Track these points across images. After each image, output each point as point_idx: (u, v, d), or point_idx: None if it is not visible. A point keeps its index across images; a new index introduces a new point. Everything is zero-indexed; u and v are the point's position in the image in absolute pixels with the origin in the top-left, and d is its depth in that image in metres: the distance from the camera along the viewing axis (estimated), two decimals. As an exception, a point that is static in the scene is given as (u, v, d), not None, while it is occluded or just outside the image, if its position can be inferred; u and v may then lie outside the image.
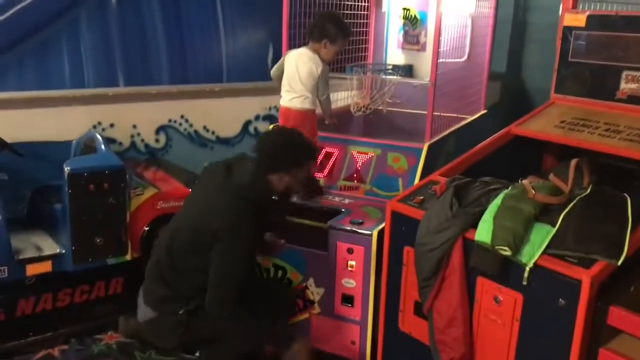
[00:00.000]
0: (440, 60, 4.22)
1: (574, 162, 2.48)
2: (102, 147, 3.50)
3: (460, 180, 2.76)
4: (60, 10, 4.69)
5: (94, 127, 4.12)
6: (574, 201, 2.33)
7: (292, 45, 3.78)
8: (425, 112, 3.74)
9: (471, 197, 2.62)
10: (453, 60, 4.39)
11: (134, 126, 4.33)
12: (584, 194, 2.37)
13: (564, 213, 2.28)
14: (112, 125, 4.23)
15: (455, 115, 4.39)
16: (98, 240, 3.29)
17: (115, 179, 3.29)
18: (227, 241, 2.62)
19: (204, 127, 4.72)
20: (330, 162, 3.78)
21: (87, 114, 4.05)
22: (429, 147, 3.66)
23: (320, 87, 3.50)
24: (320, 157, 3.81)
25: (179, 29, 5.19)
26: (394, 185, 3.57)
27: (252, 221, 2.68)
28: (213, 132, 4.75)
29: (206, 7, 5.28)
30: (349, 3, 4.70)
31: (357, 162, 3.73)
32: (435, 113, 3.85)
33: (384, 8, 4.97)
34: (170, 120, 4.53)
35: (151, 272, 2.81)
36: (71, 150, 3.80)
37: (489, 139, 3.43)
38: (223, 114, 4.71)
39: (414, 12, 4.71)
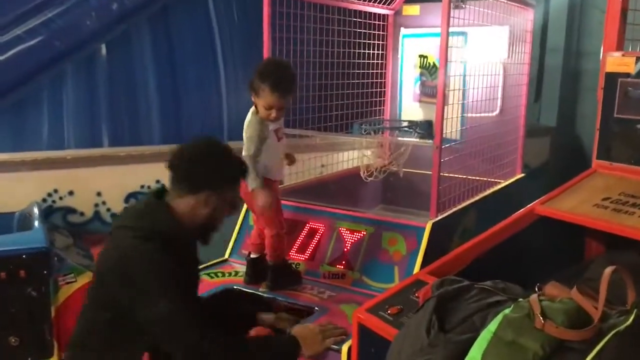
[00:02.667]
0: (466, 114, 3.56)
1: (608, 270, 1.66)
2: (36, 223, 2.93)
3: (451, 285, 1.98)
4: (42, 64, 4.30)
5: (49, 195, 3.58)
6: (607, 337, 1.51)
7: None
8: (450, 175, 3.01)
9: (461, 314, 1.82)
10: (481, 114, 3.66)
11: (98, 193, 3.77)
12: (623, 325, 1.55)
13: (589, 358, 1.47)
14: (71, 193, 3.68)
15: (486, 179, 3.62)
16: (12, 341, 2.67)
17: (36, 265, 2.69)
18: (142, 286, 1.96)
19: (185, 195, 4.09)
20: (314, 242, 3.07)
21: (39, 180, 3.52)
22: (435, 225, 2.89)
23: (245, 142, 2.76)
24: (303, 234, 3.10)
25: (173, 83, 4.72)
26: (388, 274, 2.82)
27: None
28: (195, 200, 4.12)
29: (206, 61, 4.81)
30: (361, 51, 4.08)
31: (346, 242, 3.01)
32: (455, 175, 3.12)
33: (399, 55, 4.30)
34: (142, 186, 3.94)
35: None
36: (13, 224, 3.25)
37: (510, 217, 2.63)
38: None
39: (432, 59, 4.01)
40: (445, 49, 2.79)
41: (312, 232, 3.09)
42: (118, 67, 4.56)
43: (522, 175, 4.11)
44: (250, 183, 2.66)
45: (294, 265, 2.99)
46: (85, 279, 2.92)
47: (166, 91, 4.64)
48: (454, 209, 3.15)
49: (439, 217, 2.95)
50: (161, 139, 4.60)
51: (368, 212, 3.63)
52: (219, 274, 3.02)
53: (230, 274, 3.04)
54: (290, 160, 3.07)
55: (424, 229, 2.84)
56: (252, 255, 2.95)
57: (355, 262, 2.92)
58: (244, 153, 2.71)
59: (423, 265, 2.75)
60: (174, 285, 1.98)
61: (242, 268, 3.03)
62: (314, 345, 2.23)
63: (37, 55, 4.26)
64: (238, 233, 3.27)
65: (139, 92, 4.59)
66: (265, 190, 2.66)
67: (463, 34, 3.68)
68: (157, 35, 4.69)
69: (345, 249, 2.97)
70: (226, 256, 3.23)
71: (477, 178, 3.56)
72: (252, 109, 2.80)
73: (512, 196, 3.92)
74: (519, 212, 2.55)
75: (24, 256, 2.68)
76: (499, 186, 3.77)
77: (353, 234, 3.00)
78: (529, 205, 2.54)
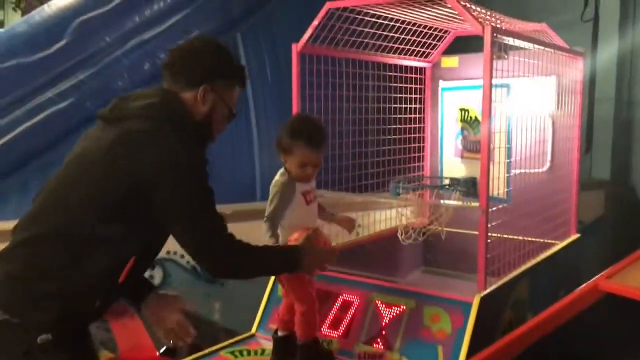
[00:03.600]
0: (513, 172, 3.28)
1: None
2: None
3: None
4: (73, 126, 4.24)
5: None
6: None
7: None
8: (497, 236, 2.75)
9: None
10: (529, 170, 3.38)
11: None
12: None
13: None
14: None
15: (539, 240, 3.31)
16: None
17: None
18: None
19: (214, 260, 3.88)
20: (348, 316, 2.78)
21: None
22: (484, 299, 2.57)
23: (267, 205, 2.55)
24: (336, 307, 2.83)
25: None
26: (432, 356, 2.51)
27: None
28: (225, 265, 3.90)
29: (238, 120, 4.65)
30: (398, 106, 3.86)
31: (383, 317, 2.71)
32: (506, 236, 2.82)
33: (439, 109, 4.07)
34: (169, 252, 3.75)
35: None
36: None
37: (571, 295, 2.31)
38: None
39: (474, 112, 3.76)
40: (488, 102, 2.55)
41: (346, 305, 2.81)
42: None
43: (577, 235, 3.76)
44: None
45: (325, 344, 2.71)
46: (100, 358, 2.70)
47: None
48: (505, 279, 2.83)
49: (488, 290, 2.64)
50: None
51: (407, 281, 3.37)
52: (244, 353, 2.76)
53: (256, 352, 2.77)
54: (347, 225, 2.80)
55: (470, 304, 2.53)
56: (279, 333, 2.68)
57: (394, 340, 2.61)
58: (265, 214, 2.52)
59: (471, 345, 2.44)
60: (207, 188, 1.94)
61: (269, 346, 2.76)
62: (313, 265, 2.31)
63: (68, 117, 4.22)
64: (266, 305, 3.01)
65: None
66: None
67: (505, 85, 3.44)
68: (189, 94, 4.61)
69: (383, 325, 2.68)
70: (253, 330, 2.97)
71: (529, 239, 3.25)
72: (281, 170, 2.60)
73: (568, 260, 3.58)
74: (580, 288, 2.23)
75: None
76: (553, 249, 3.43)
77: (391, 308, 2.70)
78: (591, 280, 2.22)
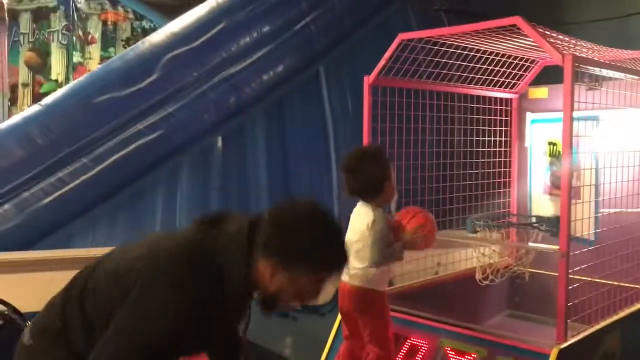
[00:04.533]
0: (606, 210, 3.03)
1: None
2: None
3: None
4: (160, 157, 4.41)
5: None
6: None
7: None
8: (587, 279, 2.56)
9: None
10: (623, 210, 3.10)
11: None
12: None
13: None
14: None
15: (635, 286, 3.01)
16: None
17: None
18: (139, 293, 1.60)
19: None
20: (415, 362, 2.63)
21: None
22: (564, 352, 2.34)
23: (369, 247, 2.43)
24: (403, 352, 2.69)
25: (285, 175, 4.62)
26: (503, 411, 2.30)
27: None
28: (295, 298, 3.85)
29: (319, 153, 4.67)
30: (484, 139, 3.69)
31: (453, 365, 2.54)
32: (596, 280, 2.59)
33: (527, 142, 3.84)
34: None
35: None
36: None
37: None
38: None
39: (563, 147, 3.50)
40: (568, 136, 2.35)
41: (414, 350, 2.66)
42: (232, 159, 4.55)
43: (683, 282, 3.37)
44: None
45: (392, 390, 2.57)
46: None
47: (277, 184, 4.55)
48: (591, 329, 2.57)
49: (570, 342, 2.40)
50: (272, 234, 4.46)
51: (487, 326, 3.16)
52: (307, 396, 2.67)
53: (320, 393, 2.68)
54: None
55: (547, 356, 2.31)
56: (341, 378, 2.58)
57: (464, 391, 2.44)
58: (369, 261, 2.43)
59: (549, 404, 2.22)
60: (159, 334, 1.56)
61: (334, 389, 2.66)
62: None
63: (156, 149, 4.38)
64: (332, 345, 2.91)
65: (250, 186, 4.53)
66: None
67: (594, 118, 3.20)
68: (272, 126, 4.68)
69: (452, 374, 2.51)
70: (317, 372, 2.88)
71: (623, 284, 2.96)
72: (369, 207, 2.50)
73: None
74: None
75: None
76: (654, 297, 3.10)
77: (462, 357, 2.53)
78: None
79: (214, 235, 1.68)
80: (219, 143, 4.57)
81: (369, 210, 2.47)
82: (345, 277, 2.51)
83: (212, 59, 4.48)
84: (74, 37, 8.40)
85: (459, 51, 3.17)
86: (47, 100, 4.36)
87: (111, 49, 8.43)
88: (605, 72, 2.65)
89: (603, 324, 2.65)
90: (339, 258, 1.70)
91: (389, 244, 2.46)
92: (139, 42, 4.63)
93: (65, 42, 8.42)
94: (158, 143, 4.36)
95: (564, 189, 2.38)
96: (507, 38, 2.85)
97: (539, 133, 3.77)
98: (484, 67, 3.42)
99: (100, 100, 4.28)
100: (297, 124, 4.70)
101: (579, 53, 2.65)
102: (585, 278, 2.58)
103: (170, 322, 1.57)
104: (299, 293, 1.69)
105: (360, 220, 2.47)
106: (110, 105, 4.28)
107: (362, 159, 2.52)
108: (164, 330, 1.57)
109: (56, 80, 8.35)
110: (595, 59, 2.78)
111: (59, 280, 3.46)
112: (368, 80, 3.03)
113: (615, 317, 2.76)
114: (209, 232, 1.69)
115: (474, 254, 3.59)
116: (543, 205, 3.65)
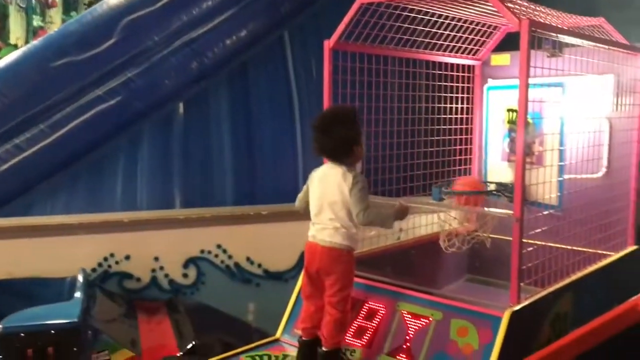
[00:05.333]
0: (564, 176, 3.07)
1: None
2: (77, 293, 2.77)
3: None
4: (121, 124, 4.32)
5: (105, 259, 3.46)
6: None
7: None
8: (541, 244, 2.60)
9: None
10: (582, 176, 3.15)
11: (156, 258, 3.61)
12: None
13: None
14: (127, 257, 3.54)
15: (589, 250, 3.09)
16: (39, 422, 2.47)
17: (66, 342, 2.49)
18: None
19: (248, 259, 3.84)
20: (373, 325, 2.67)
21: (96, 245, 3.40)
22: (516, 315, 2.39)
23: (353, 203, 2.44)
24: (362, 315, 2.72)
25: (249, 141, 4.58)
26: (456, 372, 2.35)
27: None
28: (260, 265, 3.85)
29: (283, 119, 4.63)
30: (444, 105, 3.70)
31: (409, 328, 2.58)
32: (550, 244, 2.64)
33: (484, 109, 3.86)
34: (202, 251, 3.74)
35: None
36: (64, 290, 3.13)
37: (612, 311, 2.10)
38: (273, 242, 3.82)
39: (524, 113, 3.53)
40: (524, 104, 2.36)
41: (372, 314, 2.69)
42: (194, 125, 4.49)
43: (636, 247, 3.47)
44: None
45: (349, 352, 2.60)
46: (119, 356, 2.70)
47: (241, 150, 4.51)
48: (543, 292, 2.63)
49: (523, 304, 2.45)
50: (234, 199, 4.44)
51: (446, 290, 3.21)
52: (265, 358, 2.69)
53: (277, 357, 2.70)
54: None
55: (500, 319, 2.36)
56: (303, 338, 2.60)
57: (418, 354, 2.47)
58: (360, 214, 2.44)
59: (500, 362, 2.27)
60: None
61: (292, 351, 2.68)
62: None
63: (116, 115, 4.28)
64: (292, 309, 2.93)
65: (213, 151, 4.49)
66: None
67: (559, 84, 3.23)
68: (235, 91, 4.61)
69: (408, 337, 2.54)
70: (277, 334, 2.90)
71: (578, 249, 3.03)
72: (342, 168, 2.49)
73: (624, 273, 3.31)
74: (618, 307, 2.02)
75: (52, 332, 2.50)
76: (605, 261, 3.18)
77: (418, 320, 2.57)
78: (632, 299, 2.01)
79: None
80: (181, 109, 4.50)
81: (344, 171, 2.47)
82: (316, 238, 2.51)
83: (172, 22, 4.36)
84: (34, 0, 8.11)
85: (420, 16, 3.15)
86: (0, 64, 4.22)
87: (73, 13, 8.16)
88: (563, 38, 2.65)
89: (556, 286, 2.71)
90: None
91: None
92: (97, 5, 4.48)
93: (24, 5, 8.13)
94: (118, 109, 4.26)
95: (519, 155, 2.40)
96: (469, 3, 2.84)
97: (496, 100, 3.79)
98: (447, 32, 3.40)
99: (56, 64, 4.15)
100: (261, 89, 4.64)
101: (538, 19, 2.64)
102: (538, 242, 2.62)
103: None
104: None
105: (336, 181, 2.46)
106: (68, 70, 4.15)
107: (336, 119, 2.51)
108: None
109: (15, 45, 8.06)
110: (555, 25, 2.78)
111: (19, 247, 3.43)
112: (328, 44, 2.99)
113: (568, 280, 2.82)
114: None
115: (436, 220, 3.63)
116: (501, 172, 3.69)
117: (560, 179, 3.08)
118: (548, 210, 2.89)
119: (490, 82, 3.75)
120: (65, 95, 4.16)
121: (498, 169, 3.72)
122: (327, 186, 2.50)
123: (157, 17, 4.33)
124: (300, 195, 2.69)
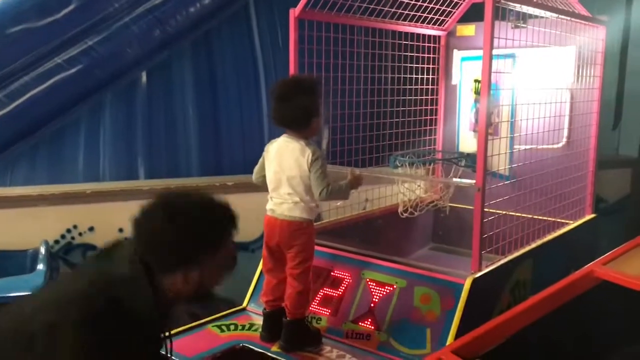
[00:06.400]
0: (523, 146, 3.12)
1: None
2: (40, 265, 2.73)
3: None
4: (82, 93, 4.21)
5: (68, 231, 3.41)
6: None
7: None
8: (503, 213, 2.67)
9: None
10: (543, 146, 3.21)
11: (120, 229, 3.56)
12: None
13: None
14: (91, 229, 3.50)
15: (548, 218, 3.17)
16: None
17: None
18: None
19: (216, 230, 3.82)
20: (338, 294, 2.70)
21: (58, 216, 3.35)
22: (477, 282, 2.46)
23: (314, 181, 2.43)
24: (327, 284, 2.75)
25: (214, 111, 4.52)
26: (420, 338, 2.42)
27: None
28: (228, 236, 3.85)
29: (248, 88, 4.58)
30: (410, 76, 3.70)
31: (373, 296, 2.62)
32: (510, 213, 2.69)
33: (455, 80, 3.88)
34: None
35: None
36: (27, 263, 3.09)
37: (564, 280, 2.17)
38: (239, 213, 3.80)
39: (488, 84, 3.57)
40: (488, 73, 2.39)
41: (337, 282, 2.73)
42: (158, 95, 4.41)
43: (593, 215, 3.57)
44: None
45: (315, 320, 2.64)
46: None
47: (206, 120, 4.46)
48: (503, 260, 2.70)
49: (483, 271, 2.52)
50: (200, 170, 4.41)
51: (411, 258, 3.26)
52: (232, 327, 2.71)
53: (244, 327, 2.72)
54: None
55: (462, 285, 2.41)
56: (267, 310, 2.62)
57: (382, 320, 2.53)
58: (322, 191, 2.41)
59: (461, 328, 2.34)
60: None
61: (259, 320, 2.71)
62: None
63: (77, 83, 4.18)
64: (259, 277, 2.94)
65: (178, 121, 4.42)
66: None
67: (511, 56, 3.25)
68: (199, 61, 4.53)
69: (373, 305, 2.59)
70: (244, 304, 2.92)
71: (537, 217, 3.10)
72: (299, 142, 2.45)
73: (582, 241, 3.41)
74: (575, 273, 2.08)
75: (15, 304, 2.47)
76: (564, 229, 3.27)
77: (382, 287, 2.61)
78: (587, 266, 2.07)
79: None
80: (144, 78, 4.41)
81: (302, 145, 2.44)
82: (275, 212, 2.51)
83: (134, -12, 4.25)
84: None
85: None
86: (-47, 29, 4.05)
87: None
88: (527, 10, 2.67)
89: (516, 254, 2.78)
90: (228, 219, 1.66)
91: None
92: (57, -30, 4.32)
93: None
94: (78, 78, 4.14)
95: (481, 125, 2.43)
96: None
97: (468, 71, 3.82)
98: (413, 2, 3.39)
99: (13, 31, 4.02)
100: (226, 59, 4.57)
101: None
102: (500, 211, 2.68)
103: None
104: (220, 270, 1.66)
105: (294, 155, 2.43)
106: (25, 37, 4.02)
107: (299, 88, 2.44)
108: None
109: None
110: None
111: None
112: (294, 12, 2.96)
113: (527, 248, 2.90)
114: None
115: (400, 189, 3.67)
116: (469, 142, 3.74)
117: (510, 151, 3.12)
118: (507, 181, 2.95)
119: (462, 52, 3.76)
120: (23, 64, 4.03)
121: (466, 139, 3.76)
122: (285, 160, 2.47)
123: (117, -18, 4.20)
124: (256, 169, 2.67)
